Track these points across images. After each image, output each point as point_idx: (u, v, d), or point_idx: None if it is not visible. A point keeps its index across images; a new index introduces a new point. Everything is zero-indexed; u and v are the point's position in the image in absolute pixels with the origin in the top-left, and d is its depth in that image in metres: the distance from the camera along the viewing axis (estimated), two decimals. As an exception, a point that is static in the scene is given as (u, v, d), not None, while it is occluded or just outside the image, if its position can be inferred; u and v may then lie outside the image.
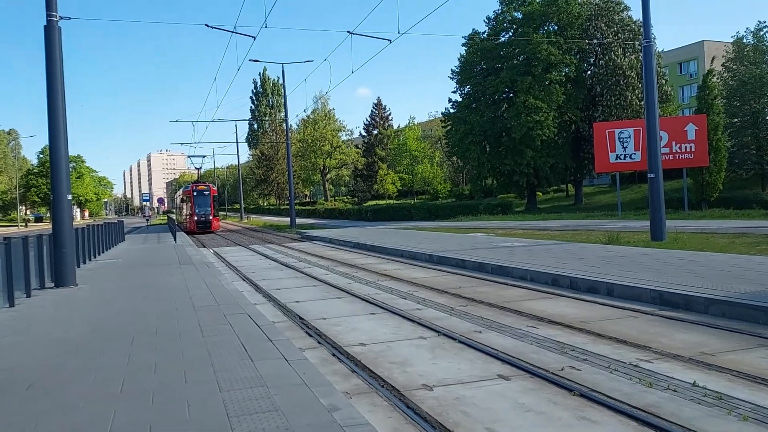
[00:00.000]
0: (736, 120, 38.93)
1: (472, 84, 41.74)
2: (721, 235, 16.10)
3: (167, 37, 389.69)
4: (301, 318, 8.18)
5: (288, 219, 39.39)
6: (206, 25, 22.02)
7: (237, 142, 51.26)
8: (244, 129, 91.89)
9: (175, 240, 25.48)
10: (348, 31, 21.25)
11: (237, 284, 11.82)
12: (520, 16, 40.78)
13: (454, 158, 52.40)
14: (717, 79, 40.54)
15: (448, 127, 45.06)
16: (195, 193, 36.88)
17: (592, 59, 41.96)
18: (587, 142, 39.24)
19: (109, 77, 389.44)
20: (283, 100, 40.57)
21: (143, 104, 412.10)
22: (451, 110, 44.58)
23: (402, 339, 6.70)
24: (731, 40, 41.56)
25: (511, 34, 40.95)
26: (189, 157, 43.77)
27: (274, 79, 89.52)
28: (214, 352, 5.56)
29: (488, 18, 42.56)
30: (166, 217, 57.53)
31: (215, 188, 39.34)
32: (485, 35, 42.03)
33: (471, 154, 41.81)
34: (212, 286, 10.44)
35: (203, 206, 36.60)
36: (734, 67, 40.13)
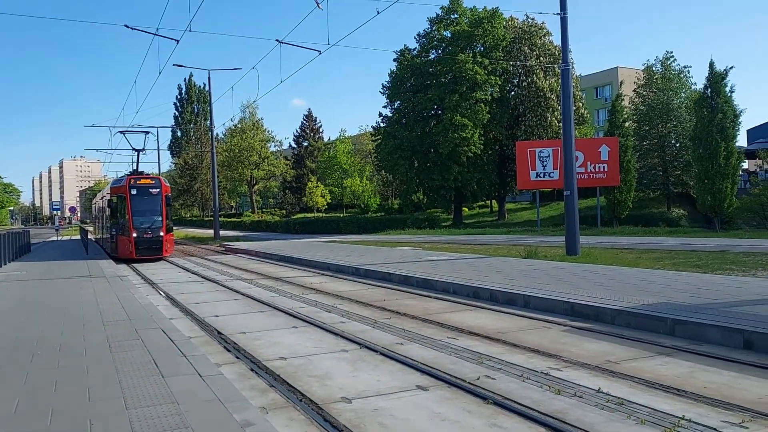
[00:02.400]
0: (645, 143, 41.50)
1: (402, 99, 42.40)
2: (629, 251, 17.04)
3: (84, 36, 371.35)
4: (219, 332, 7.96)
5: (212, 231, 38.27)
6: (126, 25, 21.22)
7: (158, 150, 49.11)
8: (166, 136, 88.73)
9: (86, 252, 24.16)
10: (277, 40, 21.03)
11: (152, 298, 11.37)
12: (449, 35, 41.92)
13: (384, 172, 52.86)
14: (629, 103, 43.17)
15: (378, 141, 45.48)
16: (134, 192, 22.05)
17: (515, 81, 43.62)
18: (510, 160, 40.63)
19: (17, 76, 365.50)
20: (209, 108, 39.25)
21: (56, 107, 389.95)
22: (382, 124, 45.08)
23: (324, 352, 6.66)
24: (642, 68, 44.37)
25: (440, 52, 41.97)
26: (123, 132, 26.71)
27: (199, 86, 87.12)
28: (123, 369, 5.31)
29: (419, 35, 43.49)
30: (79, 228, 49.31)
31: (167, 184, 23.99)
32: (415, 52, 42.87)
33: (400, 168, 42.37)
34: (124, 300, 9.99)
35: (149, 214, 22.15)
36: (644, 93, 42.83)
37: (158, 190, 22.47)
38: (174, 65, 31.72)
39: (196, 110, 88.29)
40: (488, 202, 52.87)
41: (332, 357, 6.44)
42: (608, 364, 5.77)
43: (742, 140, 40.02)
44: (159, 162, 49.16)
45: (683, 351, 6.16)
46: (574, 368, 5.68)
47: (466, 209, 49.95)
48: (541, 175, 33.06)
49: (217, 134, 49.66)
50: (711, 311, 7.15)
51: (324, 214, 57.35)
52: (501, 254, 17.22)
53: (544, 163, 32.79)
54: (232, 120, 71.48)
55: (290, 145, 75.40)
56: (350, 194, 57.78)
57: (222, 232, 39.45)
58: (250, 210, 70.27)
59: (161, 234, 22.06)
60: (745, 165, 40.43)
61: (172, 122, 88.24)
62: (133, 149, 25.86)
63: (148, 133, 27.26)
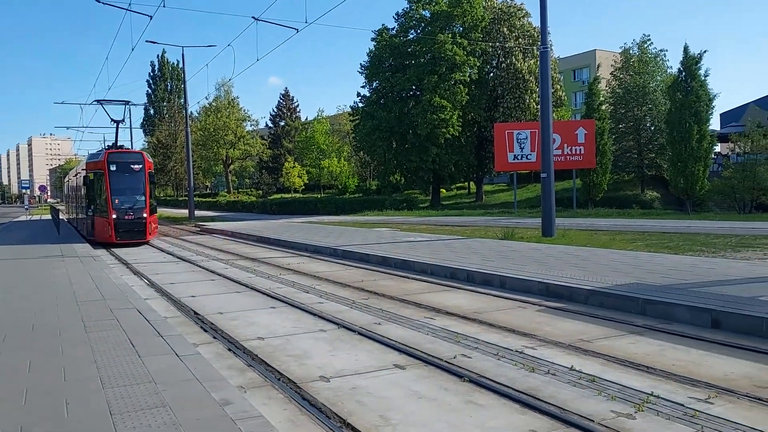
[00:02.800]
0: (621, 126, 41.95)
1: (381, 80, 42.08)
2: (603, 232, 17.32)
3: (53, 11, 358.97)
4: (196, 313, 7.94)
5: (186, 211, 37.84)
6: (97, 0, 20.53)
7: (131, 127, 47.45)
8: (138, 114, 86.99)
9: (58, 231, 23.72)
10: (253, 17, 20.54)
11: (126, 278, 11.26)
12: (428, 14, 41.56)
13: (362, 153, 52.66)
14: (605, 86, 43.48)
15: (356, 122, 45.18)
16: (113, 167, 19.60)
17: (494, 62, 43.56)
18: (489, 142, 40.76)
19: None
20: (183, 86, 38.45)
21: (25, 83, 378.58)
22: (360, 105, 44.73)
23: (302, 332, 6.69)
24: (619, 51, 44.65)
25: (419, 32, 41.65)
26: (101, 102, 23.31)
27: (173, 63, 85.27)
28: (98, 349, 5.27)
29: (397, 14, 43.02)
30: (49, 207, 47.50)
31: (150, 160, 21.45)
32: (394, 31, 42.49)
33: (378, 149, 42.21)
34: (98, 280, 9.87)
35: (130, 193, 19.84)
36: (621, 76, 43.16)
37: (140, 166, 19.99)
38: (147, 41, 30.78)
39: (169, 88, 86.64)
40: (466, 183, 53.08)
41: (310, 337, 6.47)
42: (581, 342, 5.90)
43: (715, 124, 40.78)
44: (132, 140, 48.26)
45: (653, 330, 6.32)
46: (548, 347, 5.79)
47: (444, 191, 50.11)
48: (519, 157, 33.24)
49: (191, 113, 48.86)
50: (681, 291, 7.33)
51: (301, 195, 57.06)
52: (478, 236, 17.36)
53: (522, 145, 32.96)
54: (206, 98, 70.33)
55: (267, 125, 74.62)
56: (328, 175, 57.51)
57: (197, 212, 39.09)
58: (226, 190, 69.62)
59: (144, 215, 19.56)
60: (718, 148, 41.14)
61: (145, 100, 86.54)
62: (112, 120, 23.15)
63: (128, 103, 24.44)
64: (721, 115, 48.75)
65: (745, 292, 7.12)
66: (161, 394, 4.02)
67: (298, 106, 76.35)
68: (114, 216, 19.16)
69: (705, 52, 31.74)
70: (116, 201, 19.28)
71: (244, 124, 63.44)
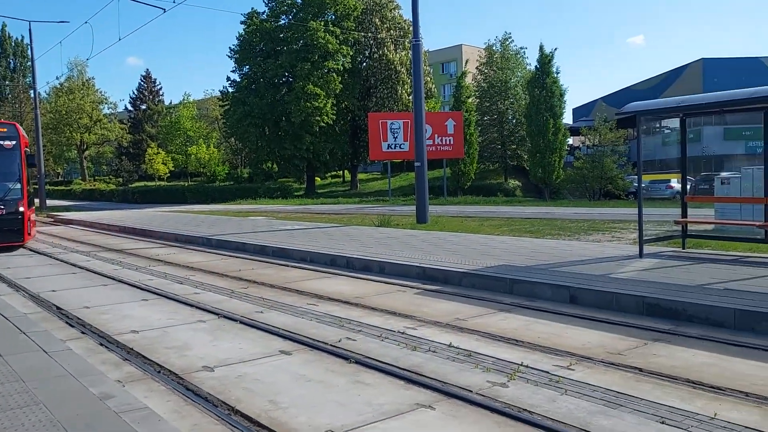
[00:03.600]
0: (486, 118, 44.38)
1: (252, 65, 40.97)
2: (472, 219, 18.35)
3: None
4: (59, 308, 7.36)
5: (37, 200, 34.40)
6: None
7: None
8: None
9: None
10: (115, -7, 19.13)
11: (-28, 273, 10.13)
12: (299, 0, 41.06)
13: (233, 140, 50.96)
14: (472, 80, 45.73)
15: (227, 107, 43.66)
16: None
17: (367, 52, 44.09)
18: (363, 131, 41.25)
19: None
20: (29, 64, 34.88)
21: None
22: (230, 90, 43.27)
23: (179, 324, 6.47)
24: (484, 46, 47.11)
25: (290, 17, 41.01)
26: None
27: (17, 39, 76.62)
28: (-51, 350, 4.74)
29: (268, -2, 42.01)
30: None
31: (25, 135, 16.45)
32: (265, 15, 41.47)
33: (250, 136, 41.14)
34: (-61, 277, 8.80)
35: (0, 179, 14.66)
36: (486, 70, 45.58)
37: (14, 141, 14.71)
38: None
39: (12, 65, 77.55)
40: (341, 172, 53.38)
41: (189, 328, 6.28)
42: (457, 321, 6.28)
43: (568, 118, 44.36)
44: (-32, 122, 42.44)
45: (520, 307, 6.88)
46: (428, 327, 6.10)
47: (319, 179, 50.06)
48: (393, 146, 34.05)
49: (40, 93, 44.38)
50: (543, 271, 8.03)
51: (166, 183, 54.03)
52: (355, 223, 17.63)
53: (395, 135, 33.80)
54: (58, 78, 64.26)
55: (126, 108, 69.42)
56: (195, 162, 54.87)
57: (49, 202, 35.86)
58: (81, 178, 64.16)
59: (20, 209, 14.43)
60: (571, 141, 44.93)
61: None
62: None
63: None
64: (573, 110, 53.35)
65: (597, 270, 7.97)
66: (33, 392, 3.72)
67: (161, 88, 71.78)
68: None
69: (555, 50, 34.23)
70: None
71: (101, 107, 58.75)
